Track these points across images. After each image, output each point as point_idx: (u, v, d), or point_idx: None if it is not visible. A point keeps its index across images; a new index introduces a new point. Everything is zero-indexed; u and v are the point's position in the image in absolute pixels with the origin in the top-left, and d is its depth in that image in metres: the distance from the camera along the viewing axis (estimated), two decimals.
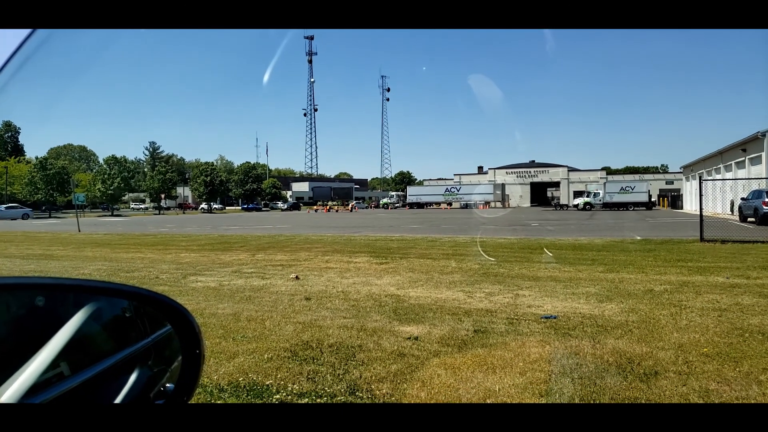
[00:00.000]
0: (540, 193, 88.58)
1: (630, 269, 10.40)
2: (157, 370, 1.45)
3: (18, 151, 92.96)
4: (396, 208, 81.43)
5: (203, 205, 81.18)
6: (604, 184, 61.42)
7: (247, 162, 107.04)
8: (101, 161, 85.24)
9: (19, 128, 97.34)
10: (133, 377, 1.35)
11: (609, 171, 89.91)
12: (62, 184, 65.48)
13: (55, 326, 1.16)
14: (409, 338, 5.59)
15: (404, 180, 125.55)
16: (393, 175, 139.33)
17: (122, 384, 1.31)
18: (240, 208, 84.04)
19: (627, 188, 58.61)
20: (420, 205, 79.79)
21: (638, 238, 18.07)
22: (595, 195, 58.43)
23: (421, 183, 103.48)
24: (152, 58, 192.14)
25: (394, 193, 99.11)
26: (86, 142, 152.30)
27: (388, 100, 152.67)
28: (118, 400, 1.30)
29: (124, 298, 1.43)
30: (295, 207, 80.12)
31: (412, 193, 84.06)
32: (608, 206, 56.44)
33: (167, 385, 1.36)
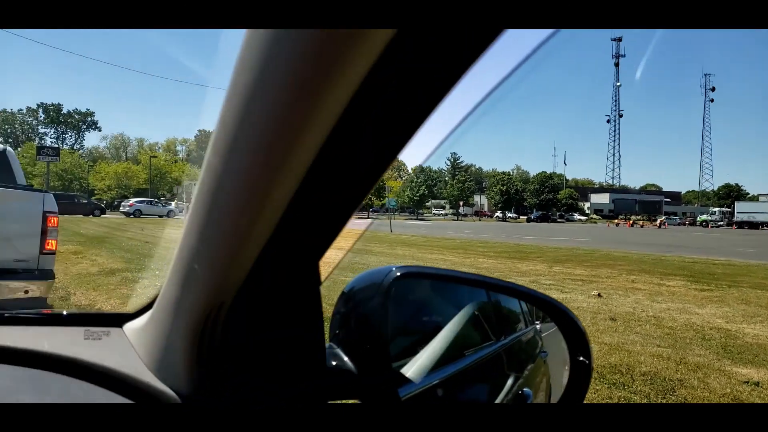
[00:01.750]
0: None
1: None
2: (509, 373, 1.50)
3: None
4: (718, 226, 69.41)
5: (498, 214, 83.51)
6: None
7: (543, 172, 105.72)
8: (410, 170, 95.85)
9: None
10: (492, 376, 1.43)
11: None
12: (378, 190, 76.21)
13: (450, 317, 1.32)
14: (747, 382, 4.66)
15: (730, 194, 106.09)
16: (715, 189, 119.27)
17: (480, 381, 1.40)
18: (525, 219, 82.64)
19: None
20: (753, 225, 66.08)
21: None
22: None
23: (755, 198, 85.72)
24: None
25: (716, 209, 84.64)
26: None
27: (712, 101, 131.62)
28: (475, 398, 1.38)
29: (516, 296, 1.52)
30: (543, 219, 75.73)
31: (742, 210, 70.28)
32: None
33: (525, 389, 1.40)
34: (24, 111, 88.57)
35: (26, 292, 4.43)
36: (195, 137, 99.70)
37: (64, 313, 1.17)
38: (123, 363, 0.97)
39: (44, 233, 4.56)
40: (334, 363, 0.95)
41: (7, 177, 5.73)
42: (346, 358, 0.96)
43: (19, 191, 4.88)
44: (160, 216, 41.09)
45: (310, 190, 0.68)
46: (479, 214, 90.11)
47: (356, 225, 1.03)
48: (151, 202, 45.70)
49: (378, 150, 0.69)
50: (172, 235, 19.86)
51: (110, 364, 0.97)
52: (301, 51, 0.52)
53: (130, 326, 1.11)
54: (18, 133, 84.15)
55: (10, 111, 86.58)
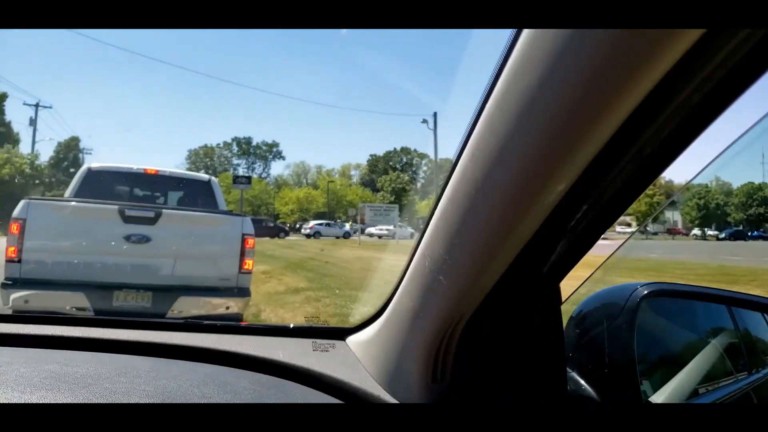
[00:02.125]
0: None
1: None
2: None
3: None
4: None
5: (695, 231, 74.38)
6: None
7: (749, 183, 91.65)
8: None
9: None
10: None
11: None
12: None
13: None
14: None
15: None
16: None
17: None
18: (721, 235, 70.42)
19: None
20: None
21: None
22: None
23: None
24: None
25: None
26: None
27: None
28: None
29: None
30: (738, 236, 60.23)
31: None
32: None
33: None
34: (221, 145, 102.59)
35: (227, 308, 4.84)
36: (367, 162, 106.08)
37: (291, 326, 1.28)
38: (352, 376, 0.99)
39: (242, 254, 4.95)
40: (568, 387, 0.90)
41: (211, 203, 6.45)
42: (582, 382, 0.90)
43: (222, 216, 5.41)
44: (337, 237, 44.17)
45: (567, 206, 0.64)
46: (672, 231, 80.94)
47: (601, 248, 0.91)
48: (329, 224, 49.36)
49: (644, 165, 0.62)
50: (348, 255, 21.04)
51: (341, 376, 1.00)
52: (600, 51, 0.47)
53: (354, 339, 1.15)
54: (216, 165, 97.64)
55: (210, 146, 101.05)
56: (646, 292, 0.97)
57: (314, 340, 1.17)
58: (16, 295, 4.21)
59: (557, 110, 0.50)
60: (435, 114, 35.73)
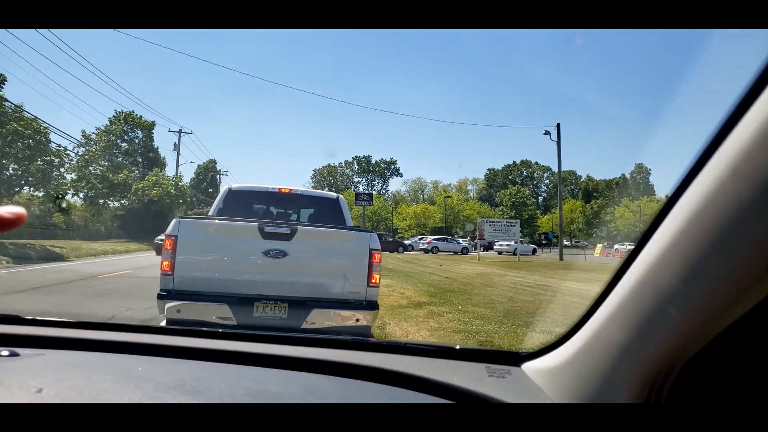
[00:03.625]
0: None
1: None
2: None
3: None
4: None
5: None
6: None
7: None
8: None
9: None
10: None
11: None
12: None
13: None
14: None
15: None
16: None
17: None
18: None
19: None
20: None
21: None
22: None
23: None
24: None
25: None
26: None
27: None
28: None
29: None
30: None
31: None
32: None
33: None
34: (343, 164, 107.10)
35: (357, 320, 4.94)
36: (484, 176, 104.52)
37: (457, 347, 1.23)
38: None
39: (370, 268, 5.04)
40: None
41: (339, 220, 6.67)
42: None
43: (351, 231, 5.57)
44: (455, 252, 43.97)
45: None
46: None
47: None
48: (446, 239, 49.22)
49: None
50: (468, 270, 20.76)
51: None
52: None
53: (533, 366, 1.07)
54: (338, 183, 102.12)
55: (333, 165, 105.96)
56: None
57: (487, 364, 1.12)
58: (170, 305, 4.63)
59: None
60: (558, 125, 34.31)
